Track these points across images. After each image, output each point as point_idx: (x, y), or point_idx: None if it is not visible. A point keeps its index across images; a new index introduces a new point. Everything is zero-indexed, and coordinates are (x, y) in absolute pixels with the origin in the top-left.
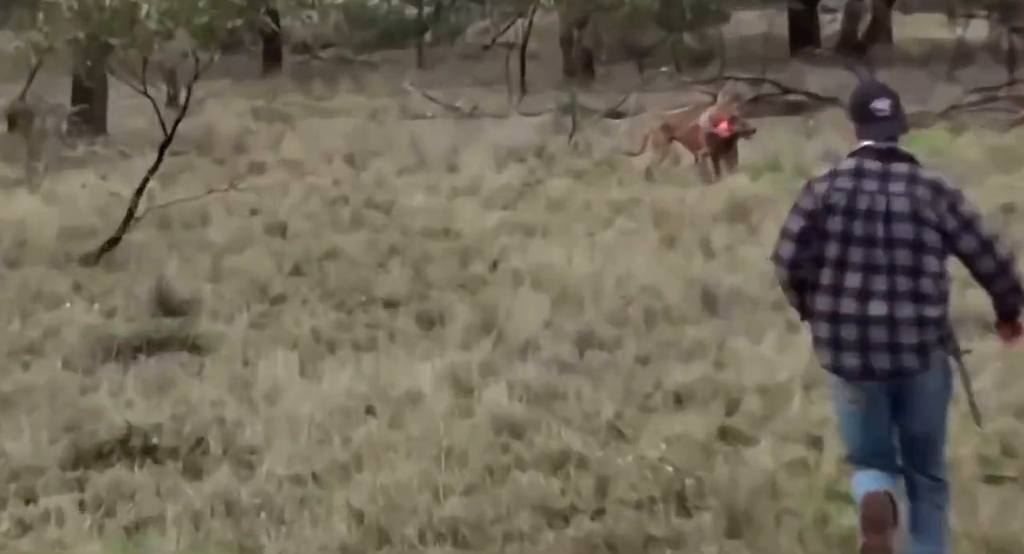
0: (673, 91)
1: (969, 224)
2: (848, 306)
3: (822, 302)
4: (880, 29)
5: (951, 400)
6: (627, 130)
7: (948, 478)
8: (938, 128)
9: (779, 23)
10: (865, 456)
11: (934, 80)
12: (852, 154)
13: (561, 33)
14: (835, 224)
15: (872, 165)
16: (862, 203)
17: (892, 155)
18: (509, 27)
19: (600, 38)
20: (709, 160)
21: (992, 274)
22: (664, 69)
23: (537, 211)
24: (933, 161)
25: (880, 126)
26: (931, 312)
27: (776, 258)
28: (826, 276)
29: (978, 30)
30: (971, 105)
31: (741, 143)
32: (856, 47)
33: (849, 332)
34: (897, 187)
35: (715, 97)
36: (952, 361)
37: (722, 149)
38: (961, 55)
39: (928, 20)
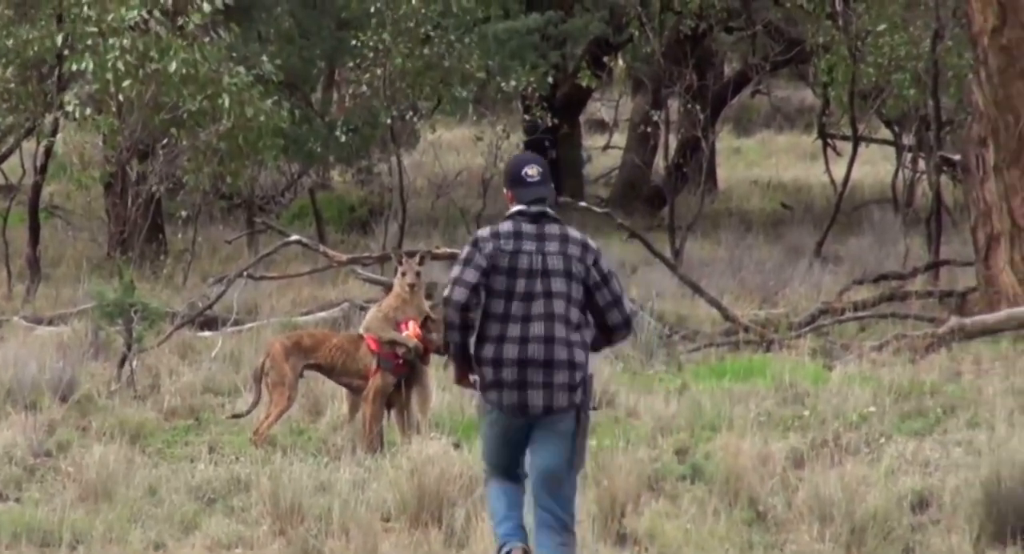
0: (316, 273)
1: (607, 280)
2: (511, 352)
3: (488, 349)
4: (698, 165)
5: (580, 449)
6: (228, 351)
7: (573, 524)
8: (799, 350)
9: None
10: (498, 466)
11: (793, 256)
12: (508, 217)
13: (103, 173)
14: (499, 283)
15: (528, 228)
16: (523, 262)
17: (544, 218)
18: (9, 155)
19: (178, 179)
20: (371, 404)
21: (618, 326)
22: (295, 237)
23: (61, 504)
24: (787, 414)
25: (531, 190)
26: (580, 357)
27: (449, 301)
28: (492, 328)
29: (871, 161)
30: (860, 309)
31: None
32: (651, 196)
33: (511, 374)
34: (552, 246)
35: (399, 268)
36: (582, 412)
37: (401, 380)
38: (839, 210)
39: (780, 145)
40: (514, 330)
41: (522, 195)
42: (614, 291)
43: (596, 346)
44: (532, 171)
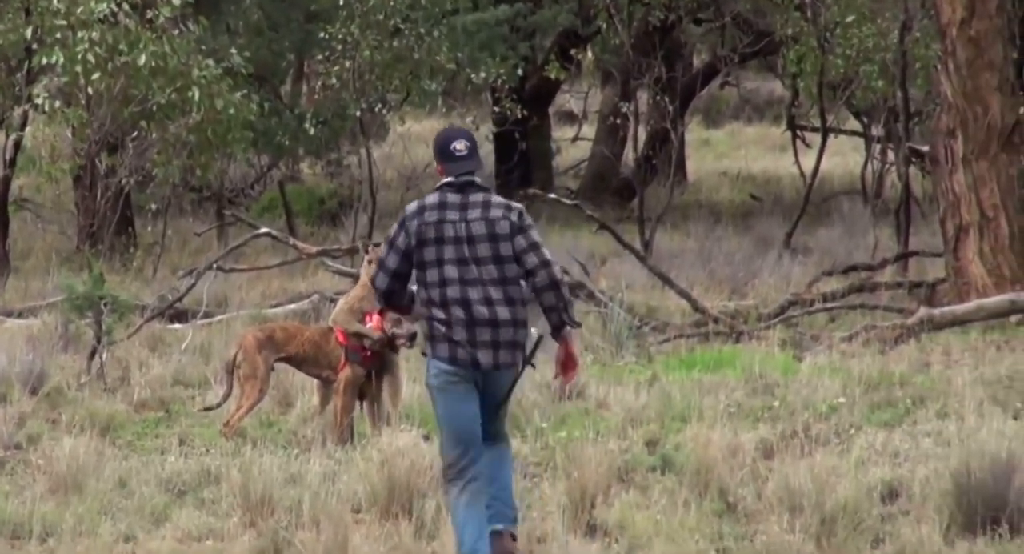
0: (286, 265)
1: (525, 230)
2: (458, 313)
3: (437, 312)
4: (667, 156)
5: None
6: (198, 343)
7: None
8: (769, 341)
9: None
10: (457, 433)
11: (763, 248)
12: (437, 189)
13: (73, 166)
14: (430, 253)
15: (453, 198)
16: (448, 231)
17: (469, 187)
18: None
19: (147, 172)
20: (342, 395)
21: (534, 268)
22: (264, 229)
23: (31, 497)
24: (757, 405)
25: (460, 164)
26: (521, 314)
27: (374, 284)
28: (435, 293)
29: (840, 152)
30: (829, 300)
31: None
32: (620, 188)
33: (461, 333)
34: (474, 213)
35: (367, 257)
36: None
37: (372, 372)
38: (808, 201)
39: (749, 136)
40: (454, 292)
41: (451, 169)
42: (531, 239)
43: (553, 322)
44: (460, 145)
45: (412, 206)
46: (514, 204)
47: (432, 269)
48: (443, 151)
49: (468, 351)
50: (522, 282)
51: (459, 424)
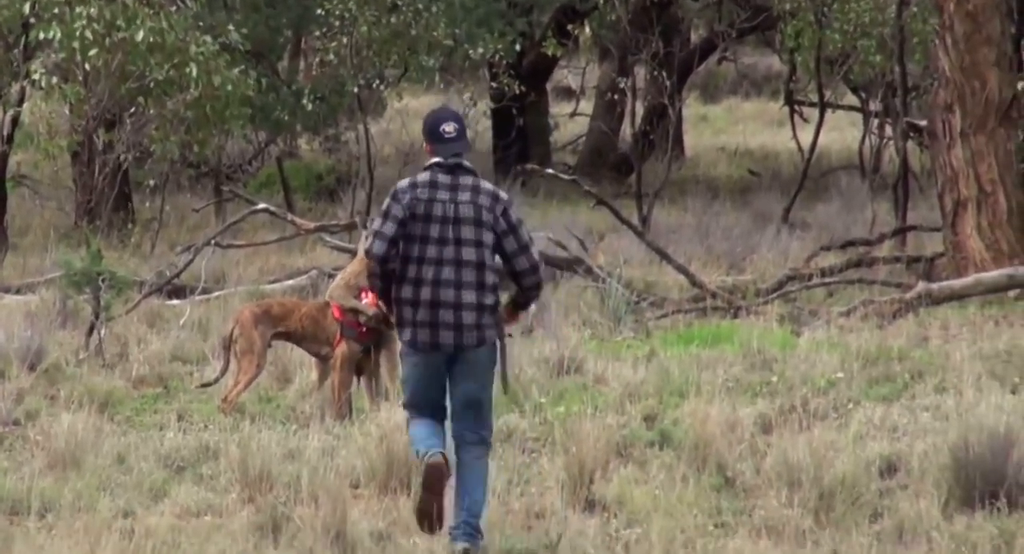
0: (284, 241)
1: (514, 228)
2: (425, 293)
3: (406, 290)
4: (665, 132)
5: (504, 374)
6: (196, 319)
7: (490, 438)
8: (767, 316)
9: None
10: (420, 407)
11: (761, 223)
12: (426, 168)
13: (70, 142)
14: (416, 228)
15: (444, 178)
16: (437, 210)
17: (459, 169)
18: None
19: (145, 148)
20: (339, 371)
21: (525, 271)
22: (262, 205)
23: (30, 473)
24: (755, 380)
25: (449, 146)
26: (489, 299)
27: (369, 253)
28: (409, 270)
29: (838, 127)
30: (827, 275)
31: None
32: (618, 163)
33: (424, 314)
34: (464, 196)
35: (364, 233)
36: (497, 341)
37: (369, 347)
38: (806, 176)
39: (746, 112)
40: (428, 272)
41: (440, 150)
42: (521, 239)
43: (518, 302)
44: (449, 127)
45: (403, 182)
46: (502, 195)
47: (413, 245)
48: (432, 133)
49: (429, 333)
50: (495, 272)
51: (421, 397)
